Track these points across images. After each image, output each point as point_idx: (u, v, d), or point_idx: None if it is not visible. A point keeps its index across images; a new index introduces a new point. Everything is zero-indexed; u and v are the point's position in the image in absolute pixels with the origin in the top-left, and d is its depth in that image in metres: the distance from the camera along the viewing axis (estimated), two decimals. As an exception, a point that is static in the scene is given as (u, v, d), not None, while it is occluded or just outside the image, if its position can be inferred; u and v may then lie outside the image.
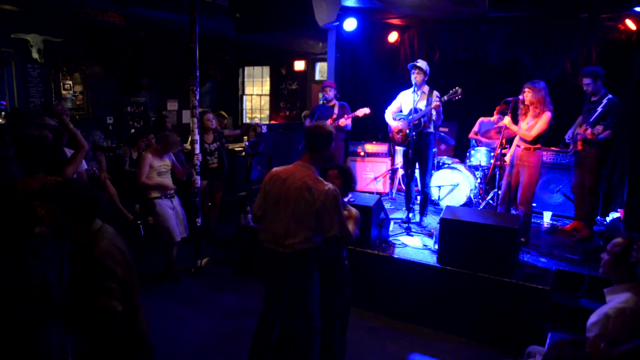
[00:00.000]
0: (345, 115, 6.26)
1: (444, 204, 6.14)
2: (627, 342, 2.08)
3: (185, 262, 5.45)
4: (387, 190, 7.26)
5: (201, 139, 5.79)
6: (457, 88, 5.10)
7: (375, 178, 7.15)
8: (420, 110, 5.25)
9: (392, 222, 5.39)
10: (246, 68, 12.23)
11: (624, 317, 2.23)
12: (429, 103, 5.26)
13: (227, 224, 6.81)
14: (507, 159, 5.22)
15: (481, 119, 6.88)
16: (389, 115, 5.64)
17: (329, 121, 6.31)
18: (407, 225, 5.33)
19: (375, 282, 4.61)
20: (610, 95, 5.00)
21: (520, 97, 4.90)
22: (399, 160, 7.19)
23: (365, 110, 6.19)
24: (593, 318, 2.38)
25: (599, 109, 4.96)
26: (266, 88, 11.98)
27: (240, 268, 5.51)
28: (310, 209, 2.87)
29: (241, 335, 3.99)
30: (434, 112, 5.21)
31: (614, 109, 4.95)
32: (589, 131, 4.93)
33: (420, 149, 5.38)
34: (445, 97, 5.14)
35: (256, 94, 12.23)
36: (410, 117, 5.27)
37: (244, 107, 12.41)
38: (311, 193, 2.87)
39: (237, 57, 11.54)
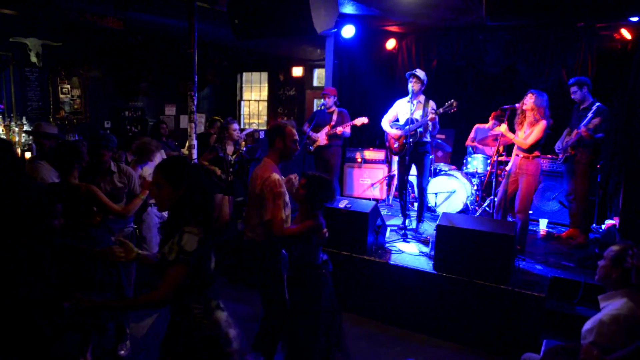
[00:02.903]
0: (343, 124, 6.26)
1: (440, 210, 6.15)
2: (620, 349, 2.09)
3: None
4: (384, 196, 7.27)
5: (223, 151, 5.67)
6: (452, 101, 5.14)
7: (372, 184, 7.17)
8: (417, 120, 5.29)
9: (388, 229, 5.40)
10: (244, 74, 12.25)
11: (618, 324, 2.25)
12: (425, 113, 5.29)
13: (224, 230, 6.79)
14: (508, 168, 5.24)
15: (477, 126, 6.91)
16: (386, 124, 5.66)
17: (326, 128, 6.33)
18: (403, 231, 5.34)
19: (372, 288, 4.61)
20: (599, 103, 5.13)
21: (518, 104, 4.94)
22: (396, 167, 7.20)
23: (364, 120, 6.18)
24: (588, 325, 2.39)
25: (589, 115, 5.08)
26: (264, 94, 12.01)
27: (236, 274, 5.50)
28: (257, 195, 3.17)
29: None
30: (429, 123, 5.25)
31: (605, 114, 5.05)
32: (583, 129, 4.99)
33: (417, 156, 5.41)
34: (441, 110, 5.18)
35: (254, 99, 12.26)
36: (407, 127, 5.29)
37: (241, 112, 12.43)
38: (257, 179, 3.19)
39: (235, 63, 11.57)
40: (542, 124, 4.73)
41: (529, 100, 4.81)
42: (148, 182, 3.78)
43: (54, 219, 2.29)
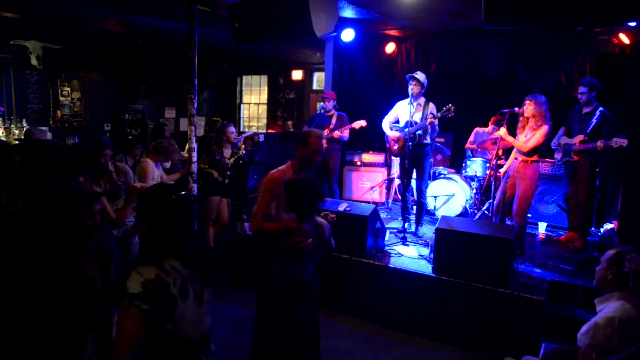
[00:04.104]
0: (341, 128, 6.28)
1: (439, 214, 6.16)
2: (617, 351, 2.10)
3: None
4: (384, 199, 7.28)
5: (220, 154, 5.68)
6: (450, 105, 5.16)
7: (372, 187, 7.18)
8: (416, 123, 5.30)
9: (388, 232, 5.41)
10: (244, 77, 12.29)
11: (613, 326, 2.25)
12: (424, 116, 5.31)
13: (223, 233, 6.79)
14: (503, 170, 5.25)
15: (476, 129, 6.93)
16: (386, 125, 5.69)
17: (325, 131, 6.35)
18: (402, 234, 5.35)
19: (371, 292, 4.61)
20: (602, 108, 5.09)
21: (518, 109, 4.95)
22: (395, 170, 7.23)
23: (362, 123, 6.21)
24: (584, 328, 2.40)
25: (594, 120, 5.03)
26: (264, 97, 12.03)
27: (236, 276, 5.51)
28: None
29: (242, 344, 3.98)
30: (429, 126, 5.27)
31: (610, 121, 5.03)
32: (599, 143, 4.89)
33: (417, 159, 5.42)
34: (439, 114, 5.21)
35: (254, 102, 12.28)
36: (406, 129, 5.32)
37: (241, 115, 12.45)
38: None
39: (235, 66, 11.61)
40: (544, 129, 4.73)
41: (528, 108, 4.81)
42: (135, 187, 3.61)
43: (88, 219, 2.25)
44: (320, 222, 2.97)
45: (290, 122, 11.16)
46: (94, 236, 2.38)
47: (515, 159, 5.01)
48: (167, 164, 5.11)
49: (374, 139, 7.73)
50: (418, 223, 5.68)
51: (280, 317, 2.83)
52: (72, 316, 2.09)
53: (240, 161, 5.86)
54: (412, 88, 5.34)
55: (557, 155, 5.54)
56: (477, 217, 6.11)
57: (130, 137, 9.11)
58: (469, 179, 6.48)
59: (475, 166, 6.45)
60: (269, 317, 2.88)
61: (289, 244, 2.78)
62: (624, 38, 5.89)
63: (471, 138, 6.93)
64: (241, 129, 12.27)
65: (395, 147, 5.60)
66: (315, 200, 2.87)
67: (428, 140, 5.46)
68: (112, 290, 2.35)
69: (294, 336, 2.84)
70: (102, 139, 3.98)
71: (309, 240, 2.78)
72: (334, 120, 6.36)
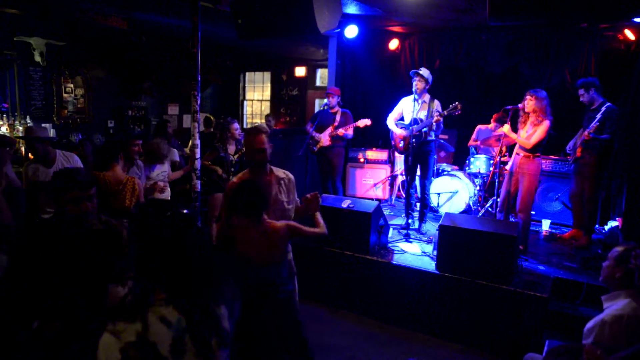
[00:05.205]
0: (346, 126, 6.25)
1: (443, 210, 6.15)
2: (623, 349, 2.09)
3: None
4: (387, 196, 7.28)
5: (224, 150, 5.67)
6: (457, 103, 5.15)
7: (375, 184, 7.17)
8: (421, 120, 5.30)
9: (391, 229, 5.40)
10: (247, 73, 12.27)
11: (621, 324, 2.25)
12: (429, 113, 5.30)
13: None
14: (508, 167, 5.24)
15: (479, 126, 6.91)
16: (391, 122, 5.67)
17: (329, 128, 6.33)
18: (406, 231, 5.35)
19: (374, 288, 4.61)
20: (608, 103, 5.09)
21: (520, 105, 4.94)
22: (398, 166, 7.22)
23: (367, 122, 6.17)
24: (590, 325, 2.39)
25: (598, 116, 5.04)
26: (267, 93, 12.02)
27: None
28: None
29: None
30: (434, 124, 5.26)
31: (613, 115, 5.03)
32: (585, 133, 4.99)
33: (421, 155, 5.42)
34: (445, 112, 5.19)
35: (257, 99, 12.27)
36: (411, 127, 5.31)
37: (244, 112, 12.45)
38: None
39: (238, 63, 11.59)
40: (546, 124, 4.72)
41: (529, 103, 4.80)
42: (158, 185, 3.88)
43: (79, 202, 2.20)
44: (273, 227, 2.75)
45: (272, 119, 11.12)
46: (102, 219, 2.36)
47: (517, 154, 5.00)
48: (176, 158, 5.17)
49: (377, 136, 7.71)
50: (421, 220, 5.67)
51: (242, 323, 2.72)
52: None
53: (244, 157, 5.85)
54: (416, 84, 5.32)
55: (571, 156, 5.51)
56: (480, 214, 6.10)
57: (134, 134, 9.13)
58: (472, 176, 6.47)
59: (479, 163, 6.43)
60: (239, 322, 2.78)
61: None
62: (630, 34, 5.86)
63: (474, 135, 6.91)
64: (244, 126, 12.27)
65: (401, 144, 5.59)
66: (255, 200, 2.69)
67: (432, 137, 5.46)
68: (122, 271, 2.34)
69: (255, 342, 2.69)
70: (134, 131, 4.20)
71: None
72: (338, 117, 6.34)
